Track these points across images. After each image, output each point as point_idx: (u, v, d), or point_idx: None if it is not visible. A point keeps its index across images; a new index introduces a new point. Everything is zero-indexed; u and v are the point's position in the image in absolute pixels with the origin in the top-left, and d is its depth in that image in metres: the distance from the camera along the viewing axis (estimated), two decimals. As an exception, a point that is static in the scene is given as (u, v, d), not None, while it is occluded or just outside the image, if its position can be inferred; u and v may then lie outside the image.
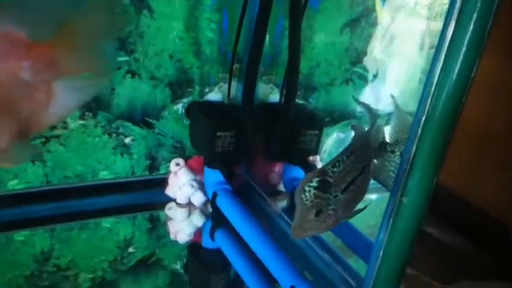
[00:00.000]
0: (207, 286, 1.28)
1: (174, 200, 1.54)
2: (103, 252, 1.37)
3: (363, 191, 1.00)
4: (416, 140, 0.77)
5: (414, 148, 0.77)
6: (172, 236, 1.42)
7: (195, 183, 1.52)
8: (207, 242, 1.40)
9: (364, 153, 1.00)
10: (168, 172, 1.56)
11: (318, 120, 1.56)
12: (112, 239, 1.41)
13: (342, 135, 1.84)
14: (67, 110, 0.94)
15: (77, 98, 0.93)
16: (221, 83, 1.57)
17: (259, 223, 1.31)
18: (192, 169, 1.54)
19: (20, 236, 1.37)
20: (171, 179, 1.54)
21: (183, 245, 1.40)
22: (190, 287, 1.31)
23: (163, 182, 1.56)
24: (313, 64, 1.70)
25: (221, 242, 1.38)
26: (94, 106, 1.43)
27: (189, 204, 1.53)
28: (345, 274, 1.23)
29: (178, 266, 1.34)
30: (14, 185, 1.42)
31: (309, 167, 1.54)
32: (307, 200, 0.89)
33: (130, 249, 1.40)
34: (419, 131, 0.76)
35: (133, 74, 1.45)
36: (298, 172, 1.55)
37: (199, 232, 1.43)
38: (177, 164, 1.54)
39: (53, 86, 0.88)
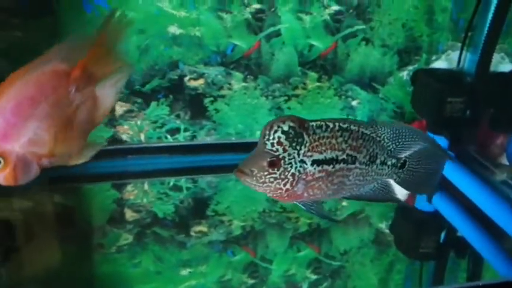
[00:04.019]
0: (415, 246, 1.34)
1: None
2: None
3: (343, 187, 0.85)
4: None
5: None
6: None
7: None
8: (421, 205, 1.44)
9: (375, 147, 0.85)
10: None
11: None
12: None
13: None
14: (110, 104, 1.14)
15: (114, 91, 1.12)
16: (449, 51, 1.57)
17: (489, 187, 1.33)
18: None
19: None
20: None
21: (390, 206, 1.46)
22: (396, 245, 1.37)
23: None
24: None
25: (440, 204, 1.42)
26: (330, 70, 1.57)
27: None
28: None
29: (383, 225, 1.39)
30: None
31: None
32: (268, 139, 0.78)
33: (344, 203, 1.50)
34: None
35: (367, 41, 1.56)
36: (526, 146, 1.48)
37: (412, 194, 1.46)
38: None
39: (95, 91, 1.09)
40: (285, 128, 0.77)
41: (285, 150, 0.78)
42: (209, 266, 1.38)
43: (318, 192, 0.83)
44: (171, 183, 1.52)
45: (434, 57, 1.58)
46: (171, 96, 1.52)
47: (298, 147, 0.79)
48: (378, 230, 1.42)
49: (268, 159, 0.78)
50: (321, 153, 0.80)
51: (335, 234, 1.44)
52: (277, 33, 1.52)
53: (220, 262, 1.37)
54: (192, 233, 1.35)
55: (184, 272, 1.37)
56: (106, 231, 1.38)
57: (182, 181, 1.53)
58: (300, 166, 0.80)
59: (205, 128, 1.56)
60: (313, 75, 1.57)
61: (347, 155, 0.82)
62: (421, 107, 1.55)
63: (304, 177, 0.80)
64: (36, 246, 1.23)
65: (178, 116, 1.54)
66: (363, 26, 1.54)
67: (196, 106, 1.54)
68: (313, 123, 0.80)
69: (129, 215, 1.42)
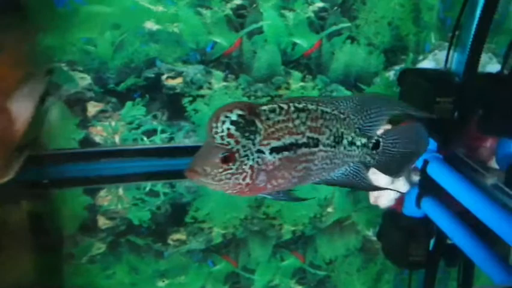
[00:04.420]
0: (404, 254, 1.29)
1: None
2: (305, 207, 1.44)
3: (310, 172, 0.77)
4: None
5: None
6: (371, 200, 1.45)
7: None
8: (409, 210, 1.40)
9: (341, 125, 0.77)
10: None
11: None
12: (313, 195, 1.46)
13: None
14: (29, 114, 1.07)
15: (30, 100, 1.06)
16: (436, 51, 1.53)
17: (481, 190, 1.29)
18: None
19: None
20: (380, 145, 1.54)
21: (378, 212, 1.42)
22: (384, 253, 1.32)
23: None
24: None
25: (429, 209, 1.38)
26: (315, 69, 1.52)
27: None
28: None
29: (370, 233, 1.35)
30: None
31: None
32: (216, 132, 0.70)
33: (329, 209, 1.45)
34: None
35: (353, 39, 1.51)
36: (515, 149, 1.45)
37: (400, 199, 1.43)
38: (386, 130, 1.54)
39: (6, 105, 1.02)
40: (234, 118, 0.70)
41: (237, 142, 0.70)
42: (188, 277, 1.32)
43: (282, 181, 0.75)
44: (147, 188, 1.46)
45: (421, 57, 1.55)
46: (147, 96, 1.46)
47: (252, 137, 0.71)
48: (365, 237, 1.38)
49: (221, 155, 0.70)
50: (278, 139, 0.73)
51: (320, 242, 1.38)
52: (260, 31, 1.46)
53: (200, 272, 1.33)
54: (170, 242, 1.29)
55: (161, 283, 1.31)
56: (77, 240, 1.31)
57: (159, 186, 1.48)
58: (258, 157, 0.72)
59: (183, 130, 1.50)
60: (297, 74, 1.52)
61: (308, 137, 0.75)
62: (408, 108, 1.51)
63: (264, 168, 0.73)
64: (1, 258, 1.15)
65: (155, 117, 1.47)
66: (349, 24, 1.49)
67: (174, 106, 1.48)
68: (265, 107, 0.73)
69: (102, 222, 1.35)
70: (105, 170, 1.43)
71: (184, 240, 1.29)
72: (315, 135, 0.75)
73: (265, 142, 0.72)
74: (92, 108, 1.42)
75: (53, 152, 1.37)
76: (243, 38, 1.46)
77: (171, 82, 1.46)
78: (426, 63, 1.54)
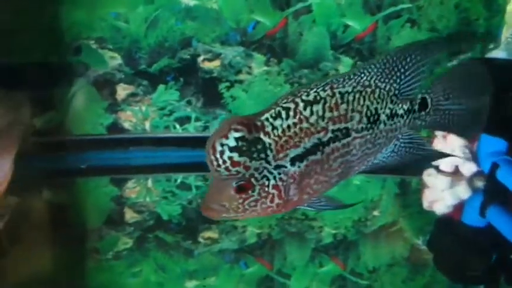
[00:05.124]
0: (461, 267, 1.17)
1: (435, 167, 1.40)
2: (348, 209, 1.33)
3: (351, 165, 0.66)
4: None
5: None
6: (425, 205, 1.35)
7: (467, 151, 1.36)
8: (469, 218, 1.29)
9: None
10: (432, 136, 1.43)
11: None
12: (358, 198, 1.35)
13: None
14: (5, 175, 0.98)
15: (7, 161, 0.97)
16: (509, 39, 1.36)
17: None
18: (462, 135, 1.40)
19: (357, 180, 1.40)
20: (437, 143, 1.40)
21: (429, 219, 1.31)
22: (435, 264, 1.20)
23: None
24: None
25: (496, 219, 1.25)
26: (367, 55, 1.39)
27: (453, 174, 1.38)
28: None
29: (419, 241, 1.24)
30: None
31: None
32: (218, 165, 0.60)
33: (375, 213, 1.35)
34: None
35: (413, 23, 1.38)
36: None
37: (458, 206, 1.31)
38: (446, 128, 1.40)
39: None
40: (232, 143, 0.59)
41: (247, 168, 0.60)
42: (218, 278, 1.25)
43: (319, 186, 0.66)
44: (178, 181, 1.39)
45: (491, 46, 1.39)
46: (182, 79, 1.37)
47: (263, 155, 0.61)
48: (414, 245, 1.27)
49: (235, 185, 0.61)
50: (297, 146, 0.63)
51: (364, 248, 1.28)
52: (308, 10, 1.35)
53: (231, 274, 1.26)
54: (200, 240, 1.22)
55: (190, 284, 1.24)
56: (103, 234, 1.24)
57: (192, 178, 1.40)
58: (279, 173, 0.62)
59: (219, 118, 1.41)
60: (347, 60, 1.39)
61: (333, 131, 0.64)
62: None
63: (292, 181, 0.63)
64: (20, 251, 1.09)
65: (189, 103, 1.39)
66: (409, 5, 1.35)
67: (210, 92, 1.39)
68: (267, 115, 0.62)
69: (129, 215, 1.29)
70: (134, 159, 1.36)
71: (215, 239, 1.22)
72: (342, 125, 0.65)
73: (281, 155, 0.62)
74: (122, 91, 1.35)
75: (78, 138, 1.30)
76: (288, 17, 1.35)
77: (208, 65, 1.36)
78: (497, 53, 1.37)
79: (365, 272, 1.30)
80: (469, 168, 1.38)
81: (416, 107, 0.68)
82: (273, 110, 0.62)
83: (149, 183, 1.35)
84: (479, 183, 1.36)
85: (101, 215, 1.27)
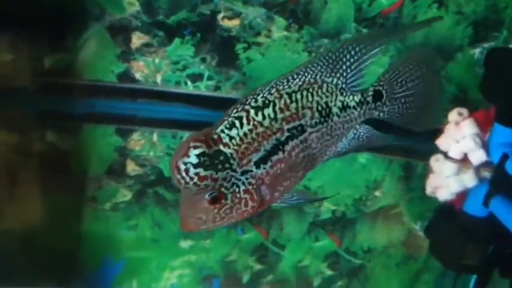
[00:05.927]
0: (457, 255, 1.17)
1: (443, 152, 1.38)
2: (350, 187, 1.32)
3: (313, 157, 0.70)
4: None
5: None
6: (429, 190, 1.32)
7: (478, 139, 1.33)
8: (472, 208, 1.26)
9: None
10: (445, 122, 1.41)
11: None
12: (362, 176, 1.33)
13: None
14: None
15: None
16: (537, 32, 1.32)
17: None
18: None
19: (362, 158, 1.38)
20: (449, 130, 1.37)
21: (430, 205, 1.29)
22: (431, 251, 1.20)
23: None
24: None
25: (500, 210, 1.22)
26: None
27: (461, 161, 1.36)
28: None
29: (417, 226, 1.23)
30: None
31: None
32: (186, 182, 0.61)
33: (377, 193, 1.33)
34: None
35: (441, 4, 1.32)
36: None
37: (461, 194, 1.27)
38: (460, 114, 1.36)
39: None
40: (194, 161, 0.61)
41: (215, 180, 0.63)
42: (213, 242, 1.25)
43: (287, 182, 0.70)
44: (184, 138, 1.34)
45: None
46: (199, 35, 1.31)
47: (227, 165, 0.64)
48: (411, 230, 1.26)
49: (208, 197, 0.64)
50: (257, 150, 0.66)
51: (361, 228, 1.28)
52: None
53: (227, 239, 1.26)
54: None
55: (184, 244, 1.24)
56: (102, 183, 1.24)
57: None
58: (247, 178, 0.66)
59: (232, 79, 1.35)
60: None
61: (288, 130, 0.67)
62: (494, 93, 1.30)
63: (260, 182, 0.67)
64: (16, 194, 1.07)
65: (203, 60, 1.33)
66: None
67: (225, 51, 1.33)
68: (221, 127, 0.65)
69: (131, 168, 1.28)
70: (141, 111, 1.31)
71: (215, 201, 1.19)
72: (296, 123, 0.68)
73: (245, 161, 0.65)
74: (137, 39, 1.28)
75: (88, 83, 1.26)
76: (315, -18, 1.29)
77: (227, 23, 1.30)
78: (521, 45, 1.36)
79: (360, 251, 1.31)
80: (477, 157, 1.32)
81: (370, 98, 0.70)
82: (226, 122, 0.65)
83: (154, 137, 1.31)
84: (487, 173, 1.31)
85: (103, 164, 1.25)
